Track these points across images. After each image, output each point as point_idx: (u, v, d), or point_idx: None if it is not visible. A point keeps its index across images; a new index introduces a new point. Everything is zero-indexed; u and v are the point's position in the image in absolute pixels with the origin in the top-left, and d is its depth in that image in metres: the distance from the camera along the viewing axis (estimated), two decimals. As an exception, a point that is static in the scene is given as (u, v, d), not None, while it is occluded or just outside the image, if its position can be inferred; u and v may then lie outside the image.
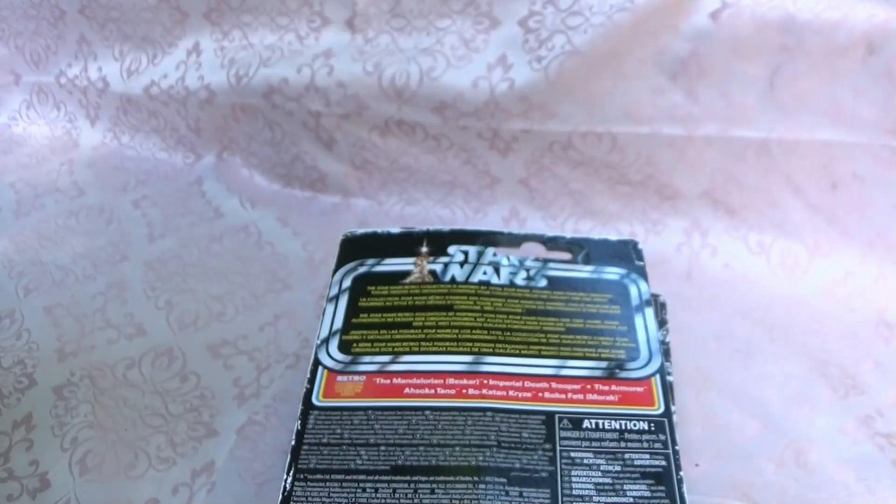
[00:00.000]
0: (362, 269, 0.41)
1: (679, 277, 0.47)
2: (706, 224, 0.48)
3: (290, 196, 0.56)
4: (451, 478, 0.32)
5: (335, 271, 0.41)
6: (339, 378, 0.36)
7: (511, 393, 0.35)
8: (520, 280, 0.40)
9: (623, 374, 0.36)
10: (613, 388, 0.35)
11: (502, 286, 0.40)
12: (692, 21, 0.42)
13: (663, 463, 0.32)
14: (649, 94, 0.45)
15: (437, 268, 0.41)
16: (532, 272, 0.41)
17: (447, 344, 0.37)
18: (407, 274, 0.41)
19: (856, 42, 0.40)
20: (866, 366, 0.41)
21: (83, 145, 0.62)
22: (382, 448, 0.33)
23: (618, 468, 0.32)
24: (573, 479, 0.32)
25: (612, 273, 0.41)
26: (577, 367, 0.36)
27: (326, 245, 0.50)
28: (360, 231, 0.43)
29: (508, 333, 0.38)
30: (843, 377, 0.40)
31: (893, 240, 0.44)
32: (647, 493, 0.31)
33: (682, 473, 0.32)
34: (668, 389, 0.35)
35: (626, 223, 0.49)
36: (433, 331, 0.38)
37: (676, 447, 0.33)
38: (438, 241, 0.42)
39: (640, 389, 0.35)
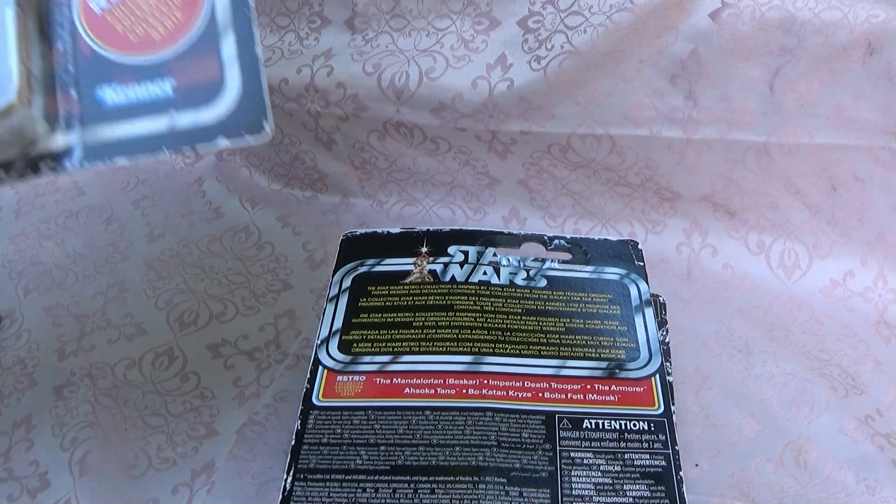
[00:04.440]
0: (362, 269, 0.41)
1: (679, 277, 0.47)
2: (706, 224, 0.48)
3: (290, 196, 0.56)
4: (451, 478, 0.32)
5: (335, 271, 0.41)
6: (339, 378, 0.36)
7: (511, 393, 0.35)
8: (520, 280, 0.40)
9: (623, 375, 0.36)
10: (613, 388, 0.35)
11: (502, 286, 0.40)
12: (692, 21, 0.42)
13: (663, 463, 0.32)
14: (649, 95, 0.45)
15: (437, 268, 0.41)
16: (532, 272, 0.41)
17: (447, 344, 0.37)
18: (407, 274, 0.41)
19: (856, 42, 0.40)
20: (866, 366, 0.41)
21: (83, 145, 0.62)
22: (382, 448, 0.33)
23: (618, 468, 0.32)
24: (573, 479, 0.32)
25: (612, 273, 0.41)
26: (577, 367, 0.36)
27: (326, 245, 0.50)
28: (360, 231, 0.43)
29: (508, 333, 0.38)
30: (843, 377, 0.40)
31: (893, 240, 0.44)
32: (647, 493, 0.31)
33: (681, 473, 0.32)
34: (667, 389, 0.35)
35: (626, 223, 0.49)
36: (433, 331, 0.38)
37: (676, 447, 0.33)
38: (438, 241, 0.42)
39: (639, 389, 0.35)
